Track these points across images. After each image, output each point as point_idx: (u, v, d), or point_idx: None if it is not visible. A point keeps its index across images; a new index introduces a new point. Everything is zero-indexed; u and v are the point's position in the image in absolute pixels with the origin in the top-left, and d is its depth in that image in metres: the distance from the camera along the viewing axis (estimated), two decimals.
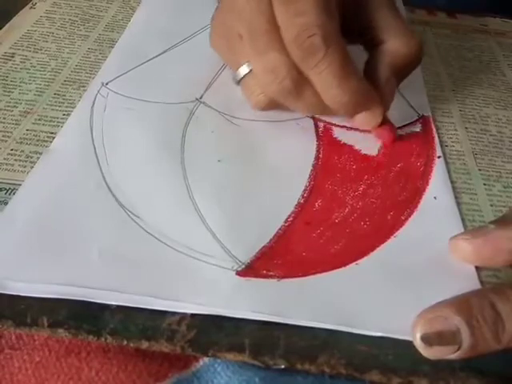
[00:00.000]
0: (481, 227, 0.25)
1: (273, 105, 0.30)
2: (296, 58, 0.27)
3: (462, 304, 0.21)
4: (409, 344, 0.21)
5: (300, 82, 0.28)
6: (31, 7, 0.41)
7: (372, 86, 0.29)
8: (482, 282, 0.24)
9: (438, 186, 0.29)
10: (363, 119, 0.30)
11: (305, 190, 0.28)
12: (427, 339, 0.20)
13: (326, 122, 0.33)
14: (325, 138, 0.32)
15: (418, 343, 0.21)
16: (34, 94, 0.33)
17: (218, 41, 0.32)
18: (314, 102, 0.29)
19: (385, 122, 0.30)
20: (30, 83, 0.34)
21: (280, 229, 0.26)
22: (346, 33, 0.29)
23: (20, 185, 0.27)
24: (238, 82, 0.31)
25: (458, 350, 0.20)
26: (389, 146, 0.31)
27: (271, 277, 0.24)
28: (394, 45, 0.30)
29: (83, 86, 0.34)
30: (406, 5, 0.44)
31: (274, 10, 0.27)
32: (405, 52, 0.30)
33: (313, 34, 0.26)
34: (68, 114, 0.32)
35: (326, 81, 0.27)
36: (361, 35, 0.31)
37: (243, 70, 0.30)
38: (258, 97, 0.30)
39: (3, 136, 0.30)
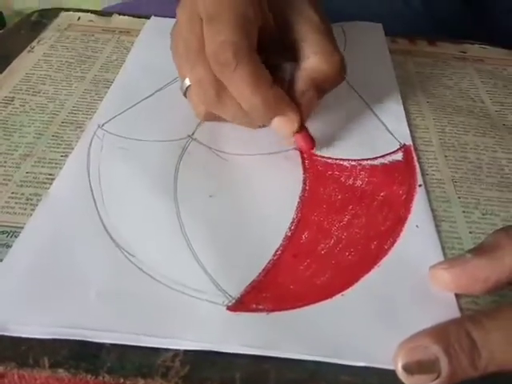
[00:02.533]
0: (458, 256, 0.26)
1: (211, 115, 0.33)
2: (214, 71, 0.31)
3: (440, 333, 0.22)
4: (392, 373, 0.22)
5: (222, 92, 0.31)
6: (29, 51, 0.43)
7: (291, 98, 0.32)
8: (461, 309, 0.25)
9: (419, 214, 0.30)
10: (278, 124, 0.32)
11: (292, 222, 0.30)
12: (408, 368, 0.22)
13: (312, 153, 0.34)
14: (311, 169, 0.33)
15: (400, 372, 0.22)
16: (33, 137, 0.34)
17: (174, 58, 0.35)
18: (237, 111, 0.32)
19: (302, 131, 0.32)
20: (29, 126, 0.35)
21: (269, 262, 0.27)
22: (279, 48, 0.33)
23: (21, 227, 0.28)
24: (184, 94, 0.34)
25: (437, 377, 0.21)
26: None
27: (260, 310, 0.25)
28: (315, 61, 0.33)
29: (80, 127, 0.35)
30: (388, 35, 0.46)
31: (203, 30, 0.31)
32: (324, 68, 0.33)
33: (226, 50, 0.30)
34: (66, 156, 0.33)
35: (239, 90, 0.30)
36: (291, 52, 0.34)
37: (185, 83, 0.33)
38: (198, 107, 0.33)
39: (4, 179, 0.31)
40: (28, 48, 0.43)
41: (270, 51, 0.33)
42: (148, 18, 0.48)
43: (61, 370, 0.23)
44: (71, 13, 0.49)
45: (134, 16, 0.48)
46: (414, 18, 0.56)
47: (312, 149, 0.33)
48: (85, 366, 0.23)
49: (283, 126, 0.32)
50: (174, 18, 0.47)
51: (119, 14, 0.49)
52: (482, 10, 0.57)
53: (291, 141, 0.33)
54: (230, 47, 0.30)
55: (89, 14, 0.49)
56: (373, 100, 0.38)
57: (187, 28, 0.32)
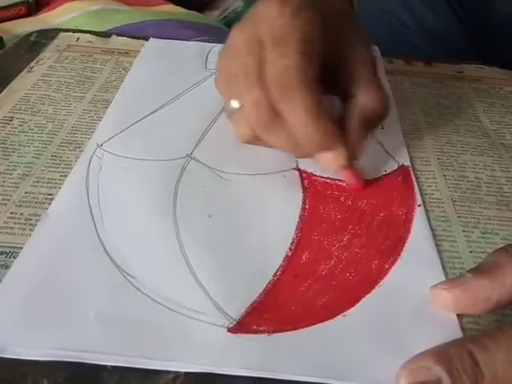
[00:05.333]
0: (459, 276, 0.26)
1: (255, 139, 0.33)
2: (274, 95, 0.30)
3: (443, 354, 0.22)
4: None
5: (277, 118, 0.30)
6: (28, 71, 0.43)
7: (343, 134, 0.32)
8: (463, 329, 0.25)
9: (419, 234, 0.30)
10: (327, 158, 0.32)
11: (292, 242, 0.30)
12: None
13: (311, 173, 0.34)
14: (310, 189, 0.33)
15: None
16: (32, 157, 0.34)
17: (220, 80, 0.35)
18: (288, 139, 0.31)
19: (352, 168, 0.33)
20: (28, 146, 0.35)
21: (269, 283, 0.27)
22: (327, 83, 0.32)
23: (20, 248, 0.28)
24: (230, 116, 0.33)
25: None
26: (360, 193, 0.33)
27: (261, 332, 0.25)
28: (366, 99, 0.33)
29: (79, 147, 0.35)
30: (384, 55, 0.46)
31: (265, 52, 0.31)
32: (374, 106, 0.33)
33: (290, 74, 0.29)
34: (65, 176, 0.33)
35: (298, 118, 0.30)
36: (338, 86, 0.34)
37: (233, 104, 0.33)
38: (243, 129, 0.33)
39: (3, 199, 0.31)
40: (27, 68, 0.43)
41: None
42: (146, 39, 0.48)
43: None
44: (70, 33, 0.49)
45: (132, 37, 0.49)
46: (410, 36, 0.57)
47: (360, 188, 0.33)
48: None
49: (331, 160, 0.32)
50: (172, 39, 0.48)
51: (118, 35, 0.49)
52: (477, 27, 0.58)
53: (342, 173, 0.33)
54: (295, 72, 0.29)
55: (88, 34, 0.49)
56: None
57: (246, 50, 0.31)
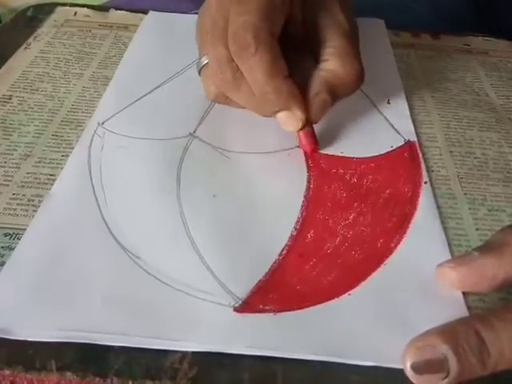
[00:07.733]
0: (465, 254, 0.26)
1: (223, 97, 0.33)
2: (232, 52, 0.30)
3: (449, 333, 0.22)
4: (400, 372, 0.22)
5: (238, 75, 0.31)
6: (26, 47, 0.42)
7: (304, 96, 0.32)
8: (469, 307, 0.25)
9: (425, 211, 0.30)
10: (283, 118, 0.32)
11: (297, 221, 0.29)
12: (417, 368, 0.22)
13: (315, 151, 0.34)
14: (315, 168, 0.33)
15: (409, 372, 0.22)
16: (33, 136, 0.34)
17: (196, 36, 0.35)
18: (250, 96, 0.31)
19: (307, 130, 0.33)
20: (28, 125, 0.35)
21: (275, 262, 0.27)
22: (303, 46, 0.33)
23: (23, 229, 0.28)
24: (199, 72, 0.34)
25: (446, 377, 0.21)
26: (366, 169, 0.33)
27: (267, 311, 0.25)
28: (333, 64, 0.32)
29: (80, 126, 0.35)
30: (390, 28, 0.45)
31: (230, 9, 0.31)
32: (341, 73, 0.32)
33: (246, 31, 0.29)
34: (67, 155, 0.32)
35: (254, 75, 0.30)
36: (313, 52, 0.34)
37: (202, 61, 0.33)
38: (210, 87, 0.33)
39: (5, 180, 0.31)
40: (24, 45, 0.43)
41: (293, 47, 0.32)
42: (145, 12, 0.47)
43: (69, 374, 0.22)
44: (67, 8, 0.48)
45: (131, 11, 0.48)
46: (417, 9, 0.56)
47: (314, 150, 0.33)
48: (93, 369, 0.22)
49: (287, 121, 0.32)
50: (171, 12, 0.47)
51: (116, 9, 0.48)
52: (484, 2, 0.57)
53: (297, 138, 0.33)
54: (250, 29, 0.29)
55: (85, 9, 0.48)
56: (376, 96, 0.38)
57: (216, 6, 0.32)
